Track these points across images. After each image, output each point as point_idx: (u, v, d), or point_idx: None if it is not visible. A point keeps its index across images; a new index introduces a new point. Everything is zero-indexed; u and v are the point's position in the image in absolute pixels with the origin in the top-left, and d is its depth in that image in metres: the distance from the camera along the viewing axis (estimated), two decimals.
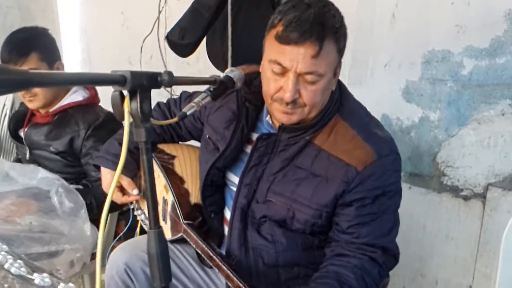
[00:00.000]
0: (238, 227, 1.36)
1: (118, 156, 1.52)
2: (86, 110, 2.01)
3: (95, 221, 2.03)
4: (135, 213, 1.63)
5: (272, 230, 1.33)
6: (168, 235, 1.48)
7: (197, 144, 1.62)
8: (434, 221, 2.20)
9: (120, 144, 1.54)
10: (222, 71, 2.58)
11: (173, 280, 1.47)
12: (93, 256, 1.96)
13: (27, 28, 2.05)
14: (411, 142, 2.28)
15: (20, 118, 2.16)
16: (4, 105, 2.68)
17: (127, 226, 1.66)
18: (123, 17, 3.59)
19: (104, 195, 1.61)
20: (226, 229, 1.45)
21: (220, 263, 1.25)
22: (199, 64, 3.10)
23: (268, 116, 1.37)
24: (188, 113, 1.14)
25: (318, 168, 1.26)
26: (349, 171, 1.22)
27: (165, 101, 1.71)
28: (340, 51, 1.22)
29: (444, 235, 2.18)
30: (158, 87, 0.82)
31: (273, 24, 1.21)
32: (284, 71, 1.19)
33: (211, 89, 1.20)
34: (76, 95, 2.07)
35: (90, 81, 0.70)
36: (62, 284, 0.91)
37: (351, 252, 1.25)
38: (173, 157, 1.58)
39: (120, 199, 1.54)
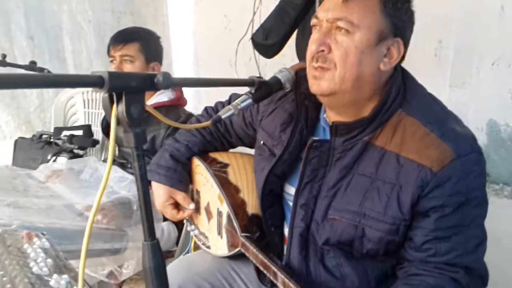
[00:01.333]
0: (298, 258, 1.19)
1: (169, 169, 1.43)
2: (169, 110, 2.06)
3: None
4: (189, 228, 1.57)
5: (339, 262, 1.15)
6: (224, 250, 1.37)
7: (249, 151, 1.52)
8: None
9: (172, 157, 1.46)
10: None
11: None
12: (169, 254, 1.99)
13: (141, 28, 2.24)
14: None
15: None
16: None
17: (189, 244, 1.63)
18: (226, 20, 3.64)
19: None
20: (285, 247, 1.30)
21: (285, 279, 1.07)
22: None
23: (325, 113, 1.21)
24: (223, 117, 1.08)
25: (387, 173, 1.07)
26: (423, 172, 1.02)
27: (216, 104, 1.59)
28: (388, 13, 1.07)
29: None
30: (156, 89, 0.77)
31: None
32: (319, 24, 1.10)
33: (252, 91, 1.12)
34: (162, 96, 2.13)
35: (66, 84, 0.67)
36: None
37: (426, 271, 1.05)
38: (226, 165, 1.45)
39: (175, 216, 1.45)
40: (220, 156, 1.49)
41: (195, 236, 1.54)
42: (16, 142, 2.74)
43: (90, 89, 3.00)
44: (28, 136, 3.13)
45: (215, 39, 3.84)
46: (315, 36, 1.12)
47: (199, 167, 1.48)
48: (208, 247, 1.46)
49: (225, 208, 1.35)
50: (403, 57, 1.14)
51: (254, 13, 2.87)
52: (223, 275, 1.41)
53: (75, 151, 2.60)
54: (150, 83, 0.75)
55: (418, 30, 2.33)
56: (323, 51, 1.07)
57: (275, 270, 1.09)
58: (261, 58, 2.85)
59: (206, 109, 1.59)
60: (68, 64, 3.41)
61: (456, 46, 2.23)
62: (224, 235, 1.36)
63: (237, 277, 1.42)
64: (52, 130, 2.97)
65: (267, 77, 3.30)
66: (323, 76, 1.08)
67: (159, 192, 1.44)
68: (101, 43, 3.52)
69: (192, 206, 1.45)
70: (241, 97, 1.12)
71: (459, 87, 2.23)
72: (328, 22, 1.07)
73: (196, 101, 3.85)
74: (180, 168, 1.45)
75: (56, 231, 1.43)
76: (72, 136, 2.59)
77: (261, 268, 1.17)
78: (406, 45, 1.13)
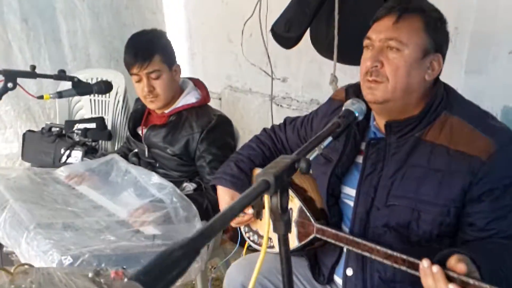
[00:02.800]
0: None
1: (234, 177, 1.60)
2: (199, 112, 2.05)
3: None
4: (246, 235, 1.66)
5: (391, 243, 1.27)
6: (294, 243, 1.47)
7: None
8: None
9: (237, 166, 1.62)
10: (327, 57, 2.49)
11: None
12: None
13: (147, 31, 2.07)
14: None
15: (138, 117, 2.25)
16: (117, 93, 2.81)
17: (237, 245, 1.70)
18: None
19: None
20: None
21: (372, 246, 1.20)
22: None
23: (375, 121, 1.39)
24: (311, 159, 1.11)
25: (438, 164, 1.24)
26: (474, 161, 1.19)
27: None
28: (430, 33, 1.27)
29: None
30: (295, 171, 0.80)
31: None
32: (371, 44, 1.30)
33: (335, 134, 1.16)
34: (189, 97, 2.10)
35: (246, 204, 0.69)
36: None
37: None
38: None
39: (235, 220, 1.54)
40: None
41: (252, 241, 1.65)
42: (24, 135, 2.69)
43: (96, 74, 2.92)
44: (32, 126, 3.07)
45: (210, 13, 3.75)
46: (368, 54, 1.30)
47: None
48: (272, 246, 1.54)
49: (295, 204, 1.47)
50: (441, 70, 1.33)
51: None
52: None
53: (88, 143, 2.58)
54: (293, 170, 0.78)
55: None
56: (376, 66, 1.26)
57: (359, 241, 1.22)
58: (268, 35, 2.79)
59: (264, 129, 1.78)
60: (63, 44, 3.29)
61: (472, 33, 2.27)
62: (294, 229, 1.47)
63: (294, 276, 1.51)
64: (56, 120, 2.92)
65: (272, 55, 3.13)
66: (377, 87, 1.27)
67: (224, 196, 1.60)
68: (95, 20, 3.40)
69: (250, 211, 1.56)
70: (326, 140, 1.15)
71: (475, 74, 2.29)
72: (381, 42, 1.27)
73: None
74: (243, 177, 1.61)
75: (123, 256, 1.46)
76: (86, 129, 2.56)
77: (341, 245, 1.30)
78: (443, 60, 1.33)
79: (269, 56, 2.91)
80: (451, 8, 2.30)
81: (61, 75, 1.83)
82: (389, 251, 1.14)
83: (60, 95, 1.84)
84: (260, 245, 1.59)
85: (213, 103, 3.89)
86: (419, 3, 1.30)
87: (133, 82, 2.03)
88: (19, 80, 1.75)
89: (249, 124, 3.51)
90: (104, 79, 2.29)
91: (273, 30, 2.30)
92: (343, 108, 1.27)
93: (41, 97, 1.81)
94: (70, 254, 1.37)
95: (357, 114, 1.25)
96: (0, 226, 1.63)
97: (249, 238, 1.65)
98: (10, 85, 1.70)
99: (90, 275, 1.16)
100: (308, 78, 3.17)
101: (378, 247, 1.16)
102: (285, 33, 2.24)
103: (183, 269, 0.53)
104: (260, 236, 1.60)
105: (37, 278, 1.07)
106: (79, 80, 1.85)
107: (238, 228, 1.68)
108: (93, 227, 1.61)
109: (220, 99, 3.75)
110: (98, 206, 1.84)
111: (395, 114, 1.32)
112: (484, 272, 1.02)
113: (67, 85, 1.99)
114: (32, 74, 1.75)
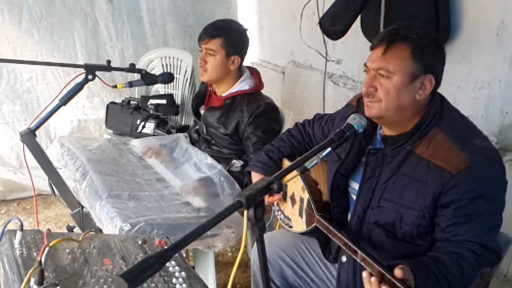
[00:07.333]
0: (353, 231, 1.61)
1: (265, 164, 1.89)
2: (250, 99, 2.35)
3: None
4: (276, 213, 1.96)
5: (380, 238, 1.54)
6: (303, 227, 1.77)
7: None
8: None
9: (268, 155, 1.90)
10: None
11: (301, 272, 1.81)
12: None
13: (228, 22, 2.49)
14: None
15: (201, 98, 2.60)
16: (186, 71, 3.16)
17: (268, 222, 1.99)
18: None
19: None
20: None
21: (350, 244, 1.44)
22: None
23: (381, 129, 1.59)
24: (309, 167, 1.37)
25: (419, 174, 1.45)
26: (445, 175, 1.39)
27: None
28: (417, 58, 1.42)
29: None
30: (270, 190, 1.07)
31: None
32: (368, 70, 1.50)
33: (334, 145, 1.41)
34: (243, 84, 2.40)
35: (215, 224, 0.97)
36: None
37: (451, 246, 1.42)
38: None
39: (266, 199, 1.82)
40: None
41: (280, 218, 1.95)
42: (108, 106, 3.13)
43: (168, 53, 3.30)
44: (115, 96, 3.53)
45: None
46: (366, 78, 1.51)
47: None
48: (290, 226, 1.87)
49: (306, 196, 1.74)
50: (438, 85, 1.49)
51: None
52: (297, 249, 1.86)
53: (160, 116, 2.97)
54: (268, 190, 1.05)
55: (482, 10, 2.42)
56: (371, 90, 1.47)
57: (342, 237, 1.48)
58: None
59: (296, 124, 2.02)
60: (144, 22, 3.65)
61: None
62: (304, 216, 1.76)
63: (307, 252, 1.86)
64: (135, 93, 3.34)
65: None
66: (373, 106, 1.49)
67: (256, 180, 1.82)
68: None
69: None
70: (325, 151, 1.39)
71: None
72: (373, 70, 1.47)
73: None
74: (272, 164, 1.90)
75: (171, 225, 1.82)
76: (158, 105, 2.95)
77: (330, 236, 1.56)
78: (438, 77, 1.48)
79: (324, 39, 3.08)
80: (498, 2, 2.36)
81: (132, 68, 2.18)
82: (364, 255, 1.38)
83: (130, 84, 2.21)
84: (284, 222, 1.89)
85: (276, 77, 4.16)
86: (407, 32, 1.44)
87: None
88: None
89: (308, 99, 3.74)
90: (175, 57, 2.64)
91: (321, 24, 2.48)
92: (346, 122, 1.50)
93: (115, 86, 2.18)
94: (130, 222, 1.75)
95: (356, 128, 1.48)
96: (82, 191, 2.06)
97: (278, 214, 1.95)
98: (90, 77, 2.08)
99: (139, 242, 1.52)
100: (363, 58, 3.28)
101: (356, 248, 1.41)
102: (331, 27, 2.42)
103: (156, 270, 0.82)
104: (285, 216, 1.89)
105: (98, 243, 1.44)
106: (146, 72, 2.20)
107: (271, 206, 1.98)
108: (152, 198, 1.98)
109: (283, 73, 3.98)
110: (160, 178, 2.22)
111: (393, 127, 1.53)
112: (419, 279, 1.28)
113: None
114: (108, 67, 2.12)
